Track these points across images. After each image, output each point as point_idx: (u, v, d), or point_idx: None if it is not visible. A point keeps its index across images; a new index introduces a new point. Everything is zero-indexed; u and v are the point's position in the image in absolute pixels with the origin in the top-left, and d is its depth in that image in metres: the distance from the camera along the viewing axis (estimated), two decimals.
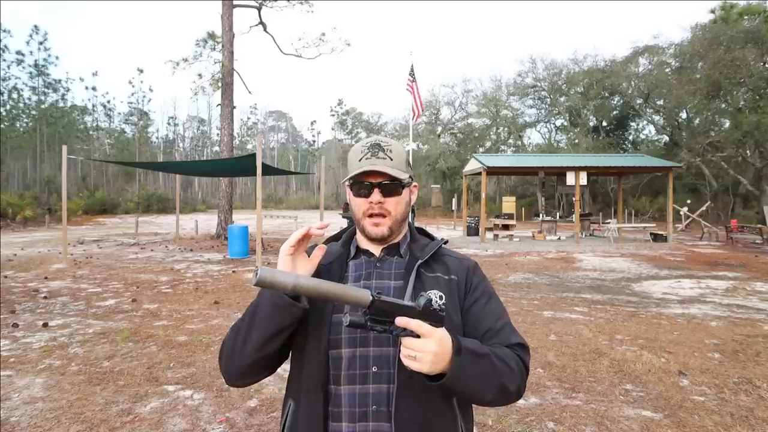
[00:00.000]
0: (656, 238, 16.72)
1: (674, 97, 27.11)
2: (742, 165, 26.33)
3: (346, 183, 1.21)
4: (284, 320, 1.03)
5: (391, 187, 1.16)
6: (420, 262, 1.17)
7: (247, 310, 1.10)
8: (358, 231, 1.25)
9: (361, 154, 1.16)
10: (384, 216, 1.17)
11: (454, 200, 26.38)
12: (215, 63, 17.62)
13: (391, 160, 1.15)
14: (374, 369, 1.08)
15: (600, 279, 9.63)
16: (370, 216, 1.17)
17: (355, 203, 1.19)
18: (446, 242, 1.27)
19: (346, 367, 1.08)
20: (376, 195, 1.15)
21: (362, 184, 1.16)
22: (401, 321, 0.94)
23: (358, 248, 1.24)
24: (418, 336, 0.94)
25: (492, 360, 1.04)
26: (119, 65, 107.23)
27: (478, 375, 1.00)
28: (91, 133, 48.80)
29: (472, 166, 18.92)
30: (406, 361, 0.95)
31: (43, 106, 39.07)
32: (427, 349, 0.93)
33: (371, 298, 0.93)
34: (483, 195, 17.23)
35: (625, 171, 19.56)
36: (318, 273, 1.15)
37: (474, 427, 1.26)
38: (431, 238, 1.29)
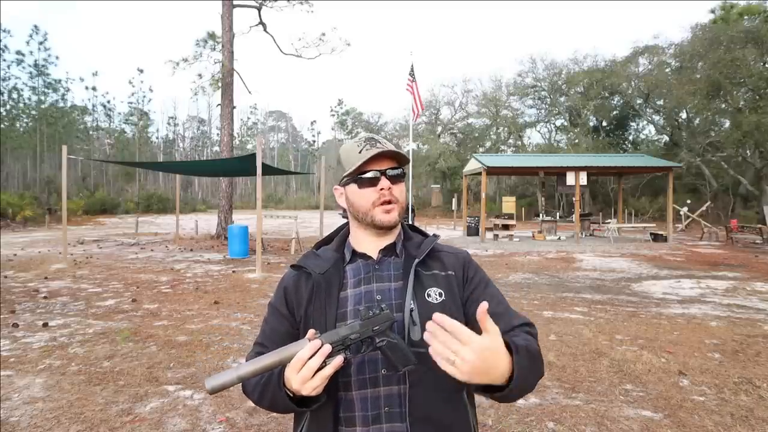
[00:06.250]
0: (656, 238, 16.71)
1: (674, 97, 27.10)
2: (742, 165, 26.33)
3: (344, 181, 1.17)
4: (304, 411, 1.07)
5: (397, 174, 1.16)
6: (417, 261, 1.15)
7: (264, 393, 1.07)
8: (359, 230, 1.20)
9: (359, 147, 1.14)
10: (394, 203, 1.15)
11: (454, 200, 26.39)
12: (215, 63, 17.62)
13: None
14: (383, 371, 1.07)
15: (600, 279, 9.63)
16: (382, 204, 1.13)
17: (361, 196, 1.15)
18: (438, 237, 1.26)
19: (355, 373, 1.07)
20: (384, 181, 1.13)
21: (367, 174, 1.14)
22: (437, 318, 0.87)
23: (354, 252, 1.20)
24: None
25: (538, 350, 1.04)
26: (119, 65, 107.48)
27: (532, 371, 0.98)
28: (91, 133, 48.81)
29: (472, 166, 18.92)
30: (440, 362, 0.87)
31: (43, 106, 38.99)
32: (465, 356, 0.85)
33: (308, 341, 0.96)
34: (483, 195, 17.23)
35: (625, 171, 19.56)
36: (317, 283, 1.14)
37: None
38: (423, 234, 1.27)
